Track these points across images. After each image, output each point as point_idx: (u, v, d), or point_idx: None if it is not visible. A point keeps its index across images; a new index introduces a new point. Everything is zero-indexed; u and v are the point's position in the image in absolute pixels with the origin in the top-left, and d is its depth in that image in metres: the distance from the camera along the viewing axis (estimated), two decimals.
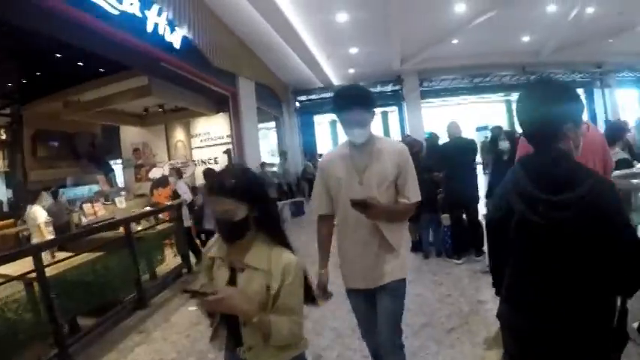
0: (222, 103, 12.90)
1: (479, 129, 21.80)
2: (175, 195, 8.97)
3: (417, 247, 7.90)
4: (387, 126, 24.31)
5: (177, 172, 9.42)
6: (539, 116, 1.80)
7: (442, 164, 7.40)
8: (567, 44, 17.55)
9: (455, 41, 15.97)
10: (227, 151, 15.52)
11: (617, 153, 5.54)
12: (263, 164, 13.10)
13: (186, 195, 8.82)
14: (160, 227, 8.30)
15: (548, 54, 18.62)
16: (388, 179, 2.85)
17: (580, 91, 21.69)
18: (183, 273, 8.29)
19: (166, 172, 12.76)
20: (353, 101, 2.76)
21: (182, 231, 8.45)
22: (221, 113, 14.52)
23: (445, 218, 7.43)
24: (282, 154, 16.78)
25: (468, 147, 7.34)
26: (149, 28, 7.36)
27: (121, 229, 6.83)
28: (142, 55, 7.64)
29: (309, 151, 20.42)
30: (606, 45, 18.17)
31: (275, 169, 14.95)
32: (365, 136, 2.82)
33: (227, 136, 15.41)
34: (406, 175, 2.90)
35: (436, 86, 21.01)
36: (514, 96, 23.41)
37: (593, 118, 21.38)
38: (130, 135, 16.18)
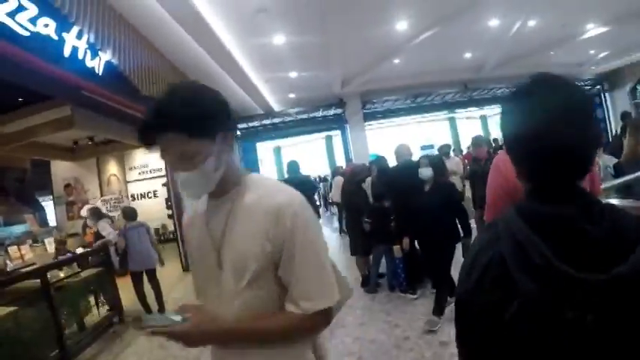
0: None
1: (424, 148, 21.72)
2: (98, 237, 8.28)
3: (366, 282, 7.43)
4: (331, 151, 24.13)
5: (95, 213, 8.71)
6: (574, 136, 1.05)
7: (390, 190, 6.96)
8: (509, 58, 17.59)
9: (396, 61, 15.72)
10: (167, 184, 14.92)
11: (610, 158, 5.57)
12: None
13: (111, 235, 8.12)
14: (85, 274, 7.58)
15: (490, 69, 18.68)
16: (250, 266, 1.55)
17: None
18: (114, 323, 7.64)
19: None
20: (159, 124, 1.54)
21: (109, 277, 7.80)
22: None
23: (396, 250, 6.95)
24: None
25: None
26: (66, 52, 6.70)
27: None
28: (59, 82, 6.89)
29: None
30: (548, 57, 18.34)
31: None
32: (201, 184, 1.61)
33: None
34: (291, 258, 1.56)
35: (379, 108, 20.74)
36: (457, 113, 23.77)
37: None
38: (62, 170, 15.27)
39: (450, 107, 22.55)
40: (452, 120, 25.33)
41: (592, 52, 19.58)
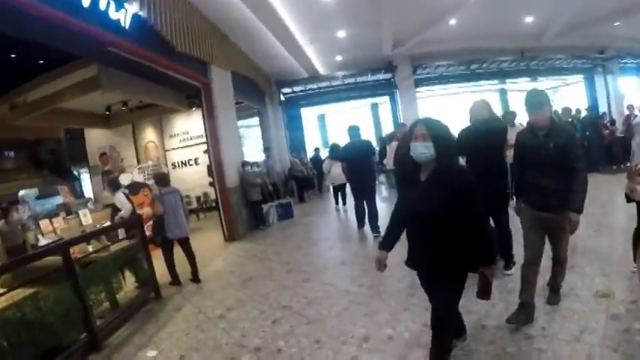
0: (196, 96, 11.33)
1: None
2: (115, 210, 7.57)
3: None
4: (377, 118, 23.31)
5: (112, 183, 8.00)
6: None
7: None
8: (570, 27, 16.23)
9: (453, 21, 14.48)
10: (207, 151, 14.38)
11: None
12: (244, 163, 11.69)
13: (124, 209, 7.52)
14: (115, 247, 6.83)
15: (550, 37, 17.21)
16: None
17: (579, 77, 22.98)
18: (150, 299, 6.89)
19: (136, 178, 11.41)
20: None
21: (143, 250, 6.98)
22: (198, 109, 13.28)
23: None
24: (266, 150, 15.34)
25: (496, 133, 5.46)
26: (85, 2, 5.81)
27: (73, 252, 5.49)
28: (78, 36, 6.10)
29: (296, 147, 19.06)
30: (611, 29, 16.98)
31: (257, 168, 13.46)
32: None
33: None
34: None
35: (431, 74, 19.46)
36: (508, 84, 22.85)
37: (595, 106, 20.83)
38: (96, 139, 14.93)
39: (505, 76, 21.17)
40: (502, 92, 24.27)
41: None
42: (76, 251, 5.93)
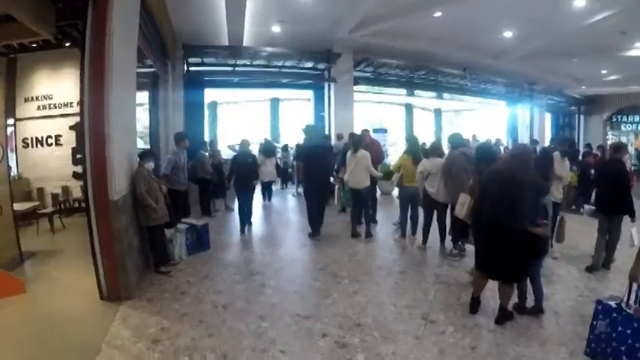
0: (74, 18, 6.61)
1: (376, 131, 18.32)
2: None
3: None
4: (276, 116, 21.13)
5: None
6: None
7: None
8: (538, 51, 16.29)
9: (438, 14, 12.46)
10: (76, 126, 9.95)
11: None
12: (145, 155, 6.83)
13: None
14: None
15: (509, 60, 17.27)
16: None
17: (503, 104, 24.21)
18: None
19: None
20: None
21: None
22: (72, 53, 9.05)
23: None
24: (179, 137, 9.32)
25: None
26: None
27: None
28: None
29: (195, 139, 12.23)
30: (568, 63, 18.43)
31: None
32: None
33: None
34: None
35: (372, 72, 17.44)
36: (417, 98, 22.80)
37: (514, 134, 23.78)
38: None
39: (441, 90, 20.87)
40: (408, 107, 24.06)
41: (604, 71, 19.94)
42: None
